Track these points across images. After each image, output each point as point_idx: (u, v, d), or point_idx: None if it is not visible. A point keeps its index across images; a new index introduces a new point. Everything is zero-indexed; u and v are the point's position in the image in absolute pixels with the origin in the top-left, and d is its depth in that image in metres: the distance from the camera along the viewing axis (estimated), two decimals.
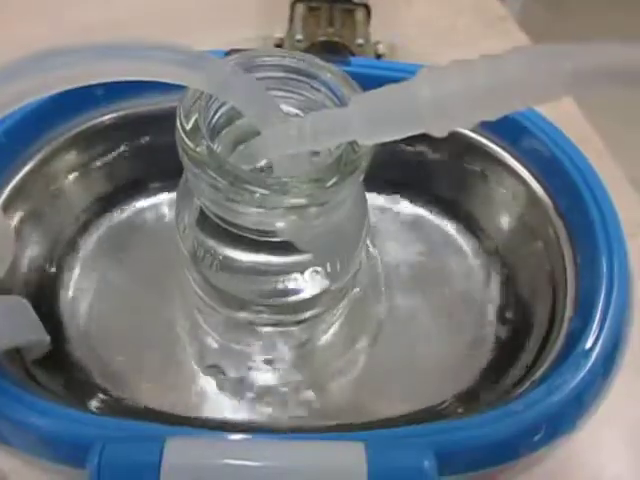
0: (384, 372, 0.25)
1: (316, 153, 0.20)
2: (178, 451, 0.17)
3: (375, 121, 0.16)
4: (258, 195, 0.17)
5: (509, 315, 0.25)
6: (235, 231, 0.20)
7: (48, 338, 0.22)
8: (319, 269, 0.21)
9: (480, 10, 0.39)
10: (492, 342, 0.25)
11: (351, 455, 0.16)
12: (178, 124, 0.18)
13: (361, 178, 0.19)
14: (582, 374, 0.20)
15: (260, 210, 0.17)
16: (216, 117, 0.19)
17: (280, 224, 0.18)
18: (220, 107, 0.19)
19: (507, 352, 0.24)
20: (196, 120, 0.18)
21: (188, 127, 0.18)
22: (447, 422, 0.19)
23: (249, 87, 0.18)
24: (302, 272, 0.21)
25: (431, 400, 0.24)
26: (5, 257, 0.16)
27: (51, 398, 0.20)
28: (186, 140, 0.18)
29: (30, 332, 0.21)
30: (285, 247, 0.20)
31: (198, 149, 0.17)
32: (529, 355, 0.23)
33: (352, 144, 0.18)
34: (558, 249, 0.24)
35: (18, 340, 0.21)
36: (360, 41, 0.34)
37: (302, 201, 0.17)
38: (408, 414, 0.23)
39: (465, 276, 0.27)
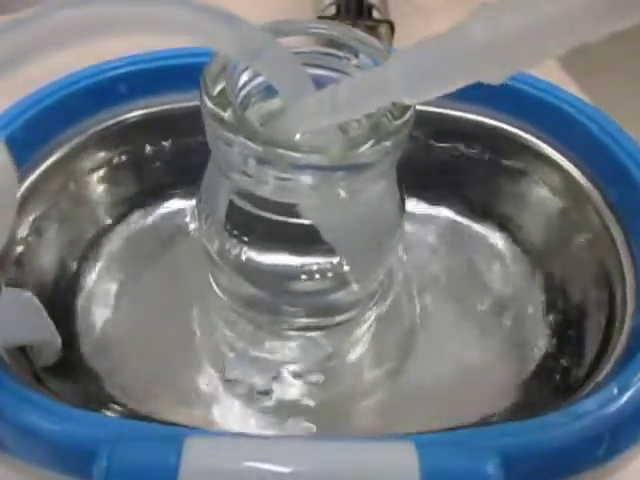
0: (424, 386, 0.22)
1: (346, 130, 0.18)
2: (199, 452, 0.14)
3: (420, 74, 0.14)
4: (289, 156, 0.15)
5: (559, 318, 0.22)
6: (263, 214, 0.18)
7: (59, 341, 0.20)
8: (345, 268, 0.19)
9: None
10: (543, 347, 0.22)
11: (400, 455, 0.14)
12: (204, 92, 0.16)
13: (397, 155, 0.17)
14: None
15: (290, 176, 0.15)
16: (243, 93, 0.18)
17: (309, 195, 0.16)
18: (247, 83, 0.18)
19: (561, 356, 0.21)
20: (223, 89, 0.16)
21: (214, 93, 0.16)
22: (512, 424, 0.16)
23: (283, 58, 0.16)
24: (328, 271, 0.19)
25: (479, 413, 0.21)
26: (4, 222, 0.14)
27: (57, 400, 0.17)
28: (212, 106, 0.16)
29: (39, 331, 0.19)
30: (312, 242, 0.18)
31: (226, 115, 0.16)
32: (587, 357, 0.20)
33: (387, 113, 0.16)
34: (610, 242, 0.21)
35: (24, 337, 0.18)
36: None
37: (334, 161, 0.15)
38: (456, 427, 0.20)
39: (506, 281, 0.24)
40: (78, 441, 0.15)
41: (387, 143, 0.15)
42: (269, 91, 0.18)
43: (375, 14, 0.34)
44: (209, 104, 0.16)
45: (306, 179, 0.15)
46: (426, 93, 0.14)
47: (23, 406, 0.15)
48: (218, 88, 0.16)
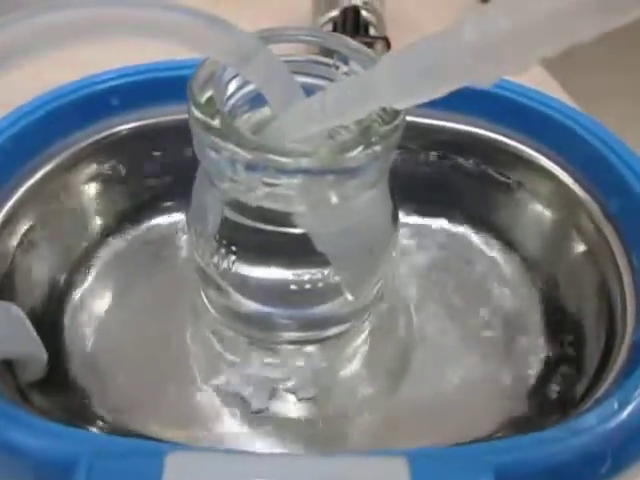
0: (421, 402, 0.21)
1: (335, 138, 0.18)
2: (181, 469, 0.13)
3: (409, 78, 0.14)
4: (278, 162, 0.14)
5: (558, 332, 0.22)
6: (253, 224, 0.17)
7: (45, 355, 0.19)
8: (336, 278, 0.19)
9: None
10: (541, 362, 0.21)
11: (392, 470, 0.13)
12: (191, 100, 0.16)
13: (388, 162, 0.16)
14: None
15: (280, 182, 0.15)
16: (231, 102, 0.17)
17: (299, 201, 0.16)
18: (236, 92, 0.17)
19: (560, 371, 0.21)
20: (210, 97, 0.16)
21: (202, 101, 0.16)
22: (507, 440, 0.15)
23: (273, 64, 0.16)
24: (319, 281, 0.19)
25: (476, 429, 0.20)
26: None
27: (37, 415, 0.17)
28: (199, 114, 0.15)
29: (25, 345, 0.18)
30: (302, 253, 0.18)
31: (214, 122, 0.15)
32: (587, 372, 0.19)
33: (378, 118, 0.16)
34: (609, 255, 0.20)
35: (9, 351, 0.18)
36: None
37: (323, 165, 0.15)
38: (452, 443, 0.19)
39: (504, 295, 0.23)
40: (55, 456, 0.14)
41: (377, 147, 0.15)
42: (258, 101, 0.17)
43: (371, 31, 0.34)
44: (196, 112, 0.16)
45: (296, 184, 0.15)
46: (415, 97, 0.14)
47: (0, 421, 0.15)
48: (205, 96, 0.16)
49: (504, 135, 0.23)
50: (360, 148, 0.15)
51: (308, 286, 0.18)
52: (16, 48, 0.13)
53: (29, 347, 0.19)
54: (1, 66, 0.13)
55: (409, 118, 0.16)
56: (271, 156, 0.14)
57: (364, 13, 0.35)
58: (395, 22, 0.36)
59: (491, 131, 0.23)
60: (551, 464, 0.15)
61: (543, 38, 0.12)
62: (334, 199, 0.16)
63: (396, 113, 0.15)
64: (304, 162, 0.14)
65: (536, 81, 0.21)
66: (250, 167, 0.15)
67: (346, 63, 0.17)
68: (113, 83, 0.22)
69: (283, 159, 0.14)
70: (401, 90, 0.14)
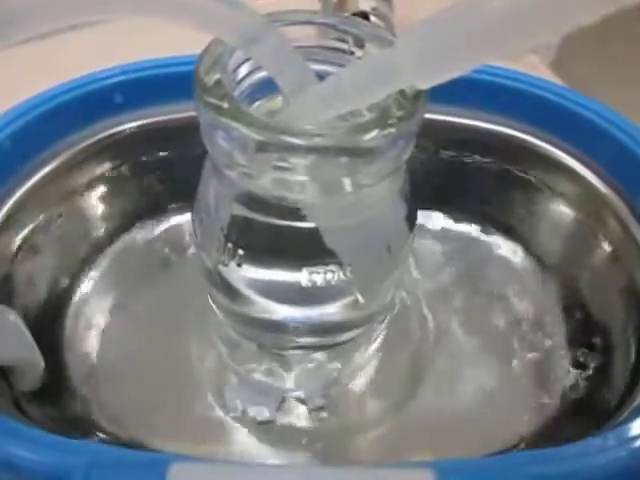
0: (438, 414, 0.20)
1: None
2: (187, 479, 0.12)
3: (433, 53, 0.12)
4: (290, 142, 0.13)
5: (584, 339, 0.20)
6: (262, 219, 0.16)
7: (42, 363, 0.18)
8: (349, 276, 0.17)
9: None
10: (567, 372, 0.20)
11: None
12: (198, 84, 0.15)
13: (406, 153, 0.15)
14: None
15: (291, 165, 0.14)
16: (242, 87, 0.16)
17: (311, 188, 0.14)
18: (245, 77, 0.16)
19: (587, 381, 0.19)
20: (218, 80, 0.15)
21: (210, 84, 0.15)
22: (539, 451, 0.14)
23: (284, 47, 0.15)
24: (332, 280, 0.17)
25: (498, 441, 0.18)
26: None
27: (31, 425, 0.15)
28: (207, 96, 0.14)
29: (18, 350, 0.17)
30: (314, 250, 0.16)
31: (223, 105, 0.14)
32: (617, 381, 0.18)
33: (395, 101, 0.14)
34: (638, 257, 0.19)
35: (4, 357, 0.16)
36: None
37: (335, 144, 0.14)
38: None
39: (526, 300, 0.22)
40: (52, 468, 0.13)
41: (393, 129, 0.14)
42: (269, 89, 0.16)
43: None
44: (204, 96, 0.15)
45: (308, 167, 0.14)
46: (441, 74, 0.13)
47: None
48: (213, 80, 0.15)
49: (525, 132, 0.22)
50: (376, 130, 0.13)
51: (321, 283, 0.17)
52: (15, 20, 0.12)
53: (25, 353, 0.17)
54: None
55: (427, 116, 0.15)
56: (283, 136, 0.13)
57: (373, 19, 0.34)
58: (404, 27, 0.35)
59: (512, 128, 0.22)
60: (586, 477, 0.13)
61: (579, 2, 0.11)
62: (348, 187, 0.14)
63: (416, 97, 0.14)
64: (317, 140, 0.13)
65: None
66: (261, 148, 0.14)
67: (362, 47, 0.16)
68: (117, 79, 0.21)
69: (295, 139, 0.13)
70: (425, 67, 0.13)
